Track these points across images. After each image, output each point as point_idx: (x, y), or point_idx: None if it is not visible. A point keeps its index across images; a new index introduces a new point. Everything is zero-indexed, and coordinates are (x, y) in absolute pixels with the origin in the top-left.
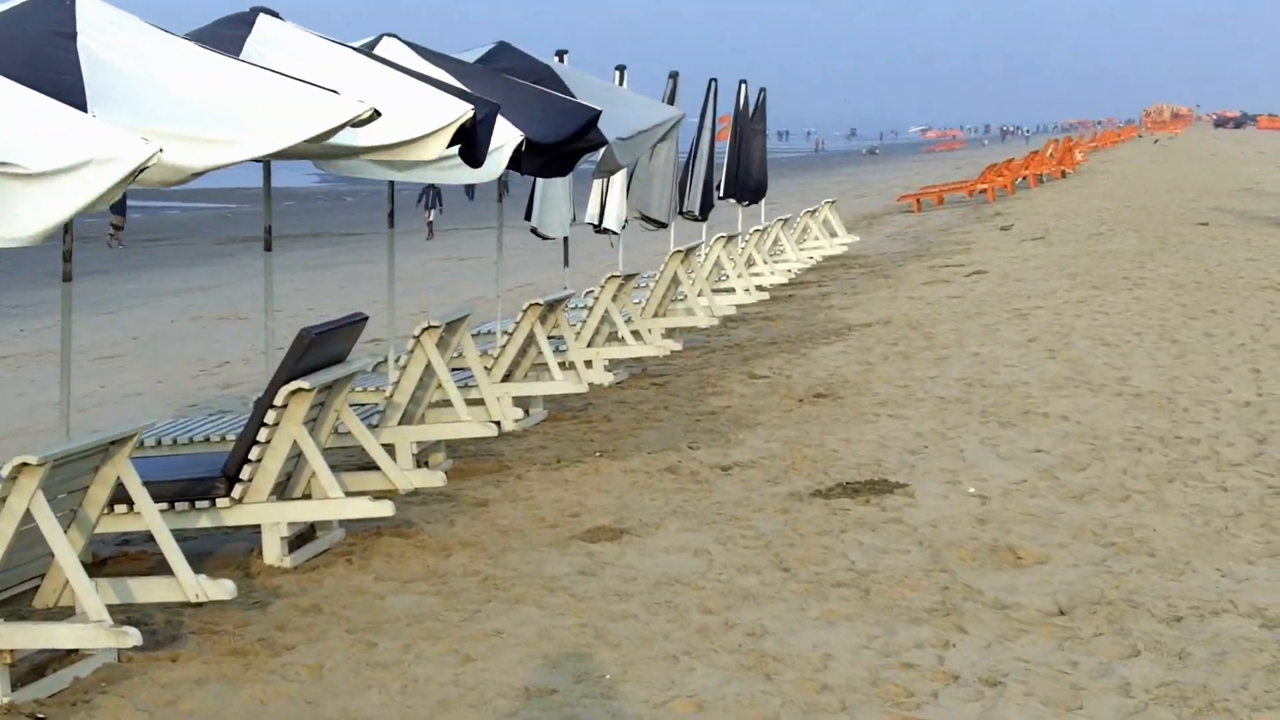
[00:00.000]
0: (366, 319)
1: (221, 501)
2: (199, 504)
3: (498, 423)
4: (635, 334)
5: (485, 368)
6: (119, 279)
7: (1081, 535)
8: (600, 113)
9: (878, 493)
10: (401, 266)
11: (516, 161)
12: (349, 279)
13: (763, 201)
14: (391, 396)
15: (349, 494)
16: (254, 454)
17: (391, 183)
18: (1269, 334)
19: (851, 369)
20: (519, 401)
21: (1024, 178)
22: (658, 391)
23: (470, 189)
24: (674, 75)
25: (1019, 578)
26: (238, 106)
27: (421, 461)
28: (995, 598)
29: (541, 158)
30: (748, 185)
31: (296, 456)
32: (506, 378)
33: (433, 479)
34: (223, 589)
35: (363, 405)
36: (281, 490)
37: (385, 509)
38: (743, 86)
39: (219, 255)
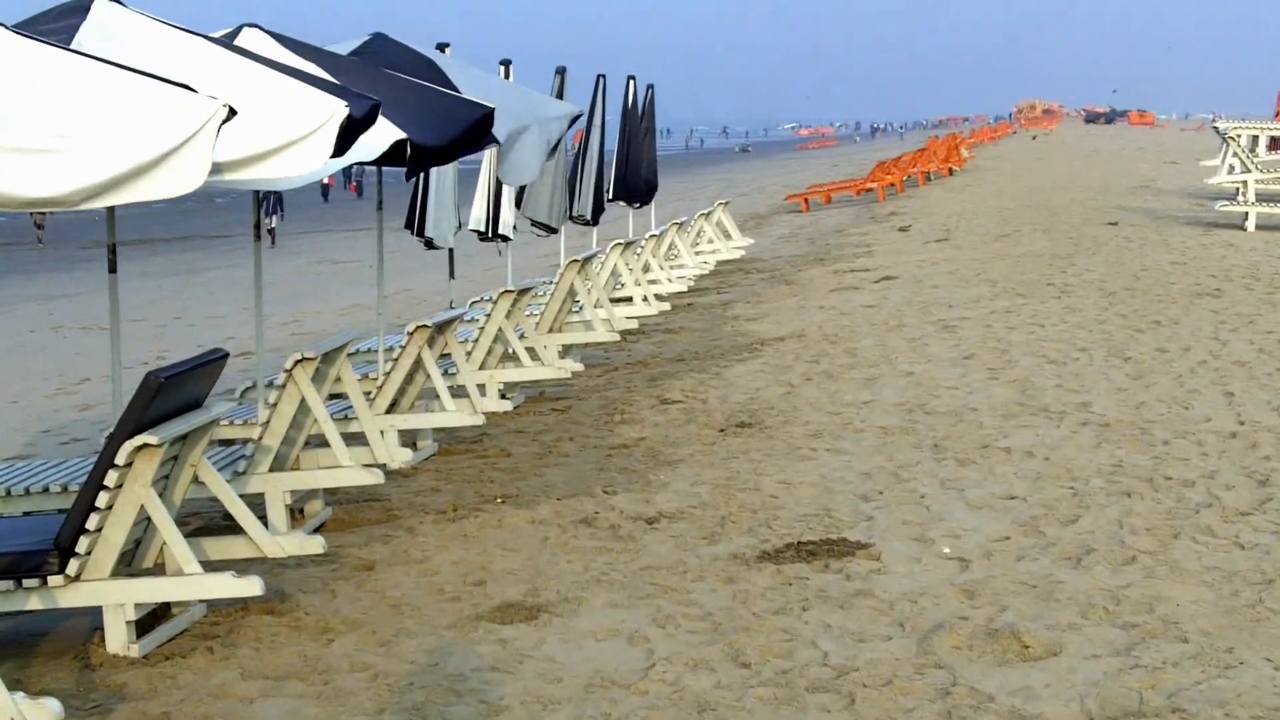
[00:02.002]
0: (226, 356)
1: (54, 579)
2: (27, 583)
3: (383, 466)
4: (531, 352)
5: (367, 395)
6: None
7: (1092, 613)
8: (493, 110)
9: (836, 555)
10: (271, 272)
11: (392, 157)
12: (218, 285)
13: (653, 203)
14: (261, 439)
15: (210, 565)
16: (92, 522)
17: (256, 192)
18: (1227, 349)
19: (773, 392)
20: (406, 435)
21: (912, 175)
22: (559, 419)
23: (325, 190)
24: (561, 71)
25: (1031, 675)
26: (69, 109)
27: (297, 510)
28: (1010, 707)
29: (427, 159)
30: (637, 187)
31: (146, 520)
32: (391, 407)
33: (310, 545)
34: (45, 713)
35: (228, 446)
36: (130, 559)
37: (253, 587)
38: (631, 83)
39: (84, 260)
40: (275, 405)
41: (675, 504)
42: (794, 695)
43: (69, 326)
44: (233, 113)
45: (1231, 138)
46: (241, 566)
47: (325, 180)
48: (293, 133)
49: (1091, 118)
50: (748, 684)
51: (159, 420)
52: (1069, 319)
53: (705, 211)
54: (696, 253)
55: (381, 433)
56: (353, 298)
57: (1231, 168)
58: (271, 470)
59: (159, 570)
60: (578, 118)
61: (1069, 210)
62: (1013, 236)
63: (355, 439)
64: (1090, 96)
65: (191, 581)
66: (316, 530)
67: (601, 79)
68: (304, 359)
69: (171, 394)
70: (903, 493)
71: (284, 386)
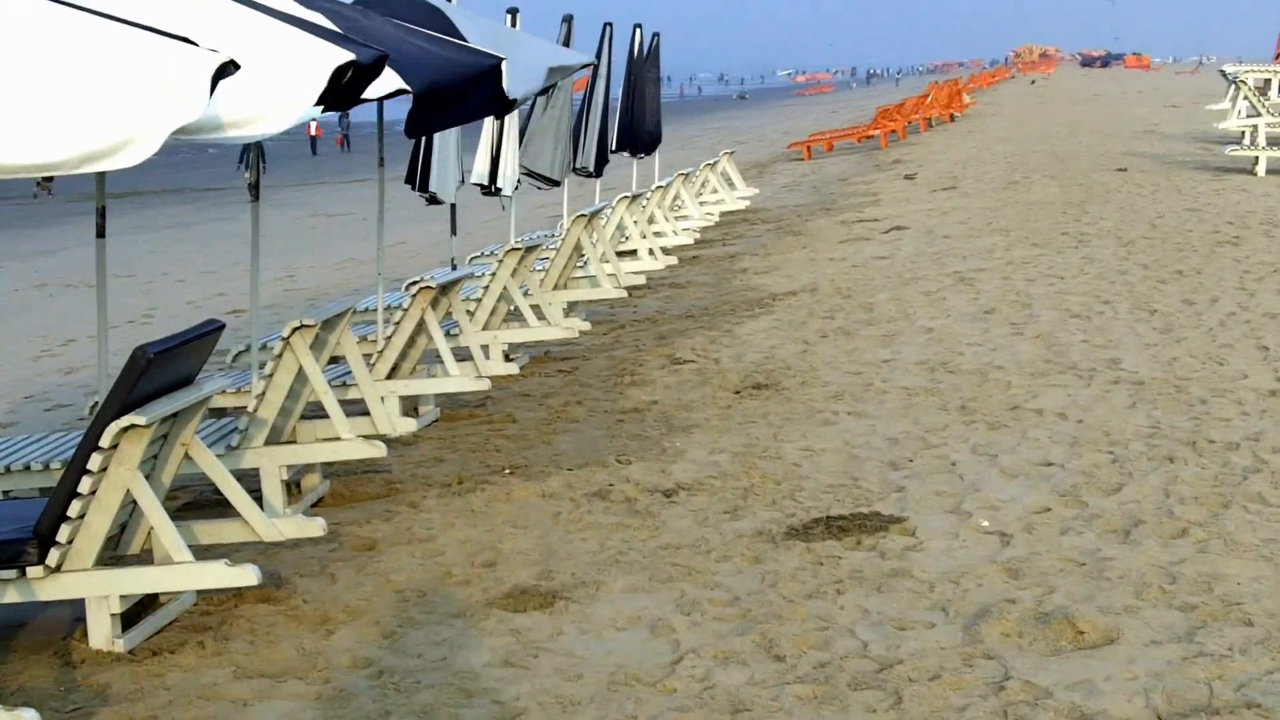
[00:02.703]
0: (221, 328)
1: (34, 570)
2: (3, 574)
3: (385, 437)
4: (535, 309)
5: (366, 359)
6: None
7: (1147, 593)
8: (502, 61)
9: (869, 530)
10: (266, 223)
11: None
12: (210, 239)
13: (657, 154)
14: (256, 411)
15: (202, 550)
16: (74, 509)
17: (248, 149)
18: (1255, 300)
19: (788, 351)
20: (408, 400)
21: (914, 122)
22: (566, 381)
23: (314, 143)
24: (568, 19)
25: (1090, 666)
26: (61, 67)
27: (294, 484)
28: (1070, 702)
29: (433, 117)
30: (641, 137)
31: (132, 504)
32: (392, 372)
33: (309, 528)
34: None
35: (221, 417)
36: (115, 543)
37: (247, 576)
38: (637, 31)
39: (72, 214)
40: (271, 376)
41: (693, 474)
42: (835, 693)
43: (54, 284)
44: (235, 66)
45: (1241, 81)
46: (235, 549)
47: (313, 131)
48: (292, 83)
49: (1088, 61)
50: (783, 679)
51: (147, 398)
52: (1089, 270)
53: (710, 162)
54: (701, 203)
55: (382, 399)
56: (347, 252)
57: (1240, 112)
58: (267, 444)
59: (146, 557)
60: (586, 66)
61: (1076, 156)
62: (1022, 184)
63: (353, 405)
64: (1084, 39)
65: (181, 571)
66: (314, 505)
67: (608, 27)
68: (302, 325)
69: (161, 370)
70: (933, 460)
71: (280, 356)
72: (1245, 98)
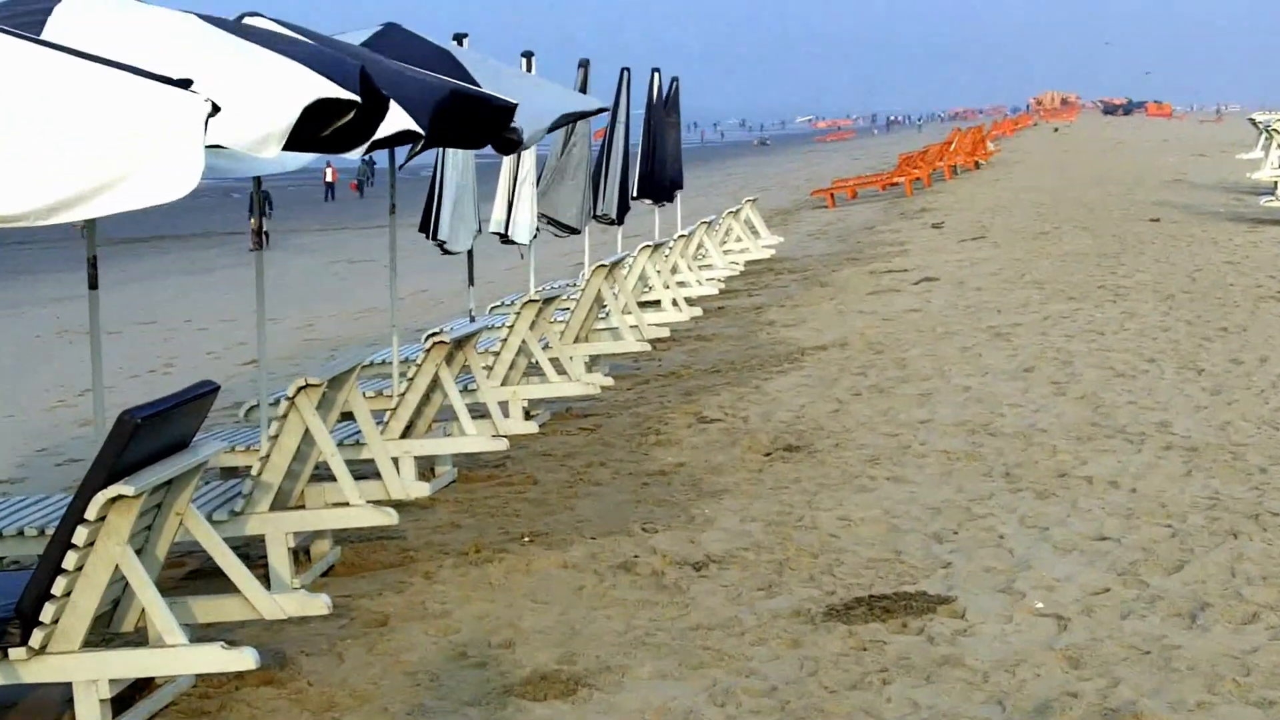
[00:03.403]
0: (216, 390)
1: (16, 652)
2: None
3: (398, 504)
4: (555, 363)
5: (379, 418)
6: None
7: (1220, 685)
8: (516, 106)
9: (915, 611)
10: (288, 269)
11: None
12: (231, 285)
13: (678, 200)
14: (260, 475)
15: (201, 629)
16: (59, 586)
17: (254, 194)
18: None
19: (820, 409)
20: (424, 461)
21: (938, 169)
22: (589, 439)
23: (330, 189)
24: (584, 63)
25: None
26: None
27: (302, 551)
28: None
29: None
30: (662, 184)
31: (124, 579)
32: (407, 430)
33: (313, 605)
34: None
35: (232, 476)
36: (109, 619)
37: (245, 660)
38: (655, 75)
39: (100, 258)
40: (276, 437)
41: (724, 545)
42: None
43: (76, 331)
44: (216, 109)
45: (1274, 130)
46: (239, 627)
47: (329, 177)
48: (280, 116)
49: (1109, 109)
50: None
51: (138, 465)
52: (1129, 325)
53: (733, 210)
54: (725, 251)
55: (396, 460)
56: (368, 300)
57: (1273, 162)
58: (273, 509)
59: (141, 635)
60: (601, 112)
61: (1106, 205)
62: (1052, 234)
63: (368, 464)
64: (1105, 88)
65: (174, 654)
66: (324, 574)
67: (626, 72)
68: (308, 385)
69: (151, 434)
70: (979, 532)
71: (285, 416)
72: (1279, 146)
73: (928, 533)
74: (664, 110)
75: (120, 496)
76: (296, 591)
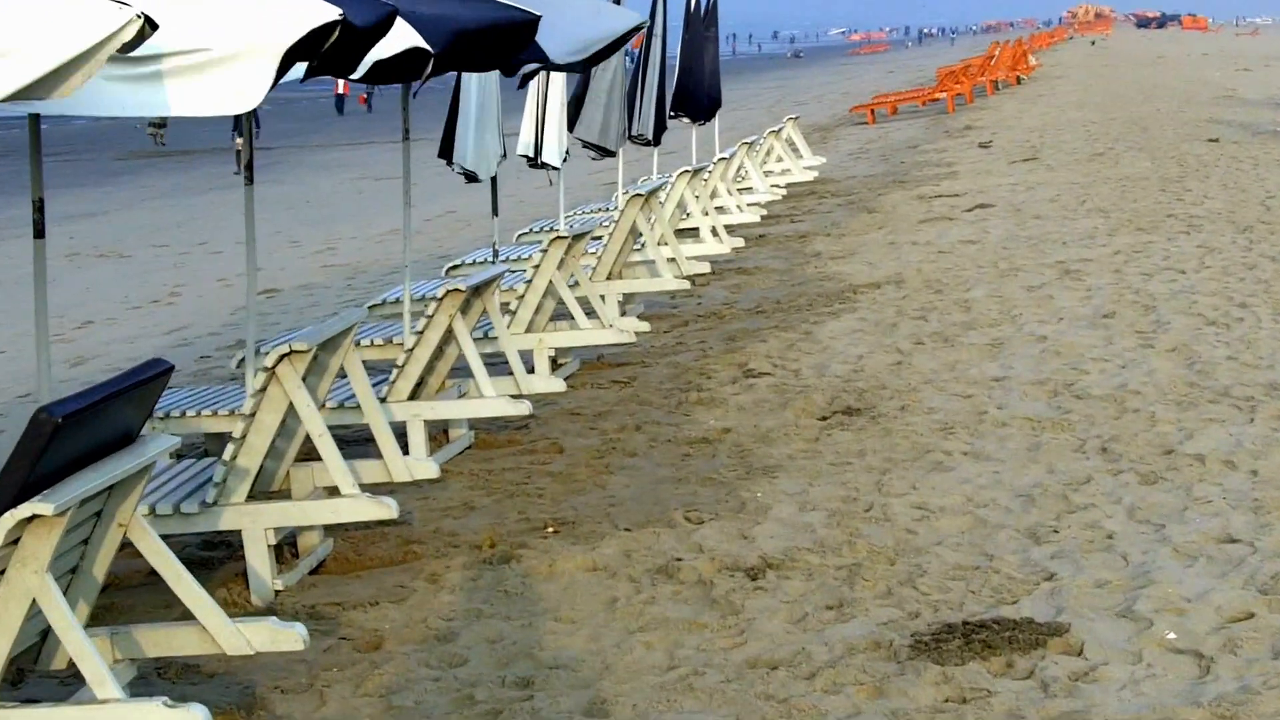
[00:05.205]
0: (169, 371)
1: None
2: None
3: (397, 492)
4: (585, 303)
5: (382, 379)
6: None
7: None
8: (538, 19)
9: (1021, 645)
10: (313, 188)
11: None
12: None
13: (716, 119)
14: (235, 458)
15: (149, 665)
16: None
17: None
18: None
19: (879, 361)
20: (437, 423)
21: (980, 84)
22: (622, 395)
23: (340, 102)
24: None
25: None
26: None
27: (287, 544)
28: None
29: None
30: (701, 101)
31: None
32: (416, 390)
33: (285, 639)
34: None
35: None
36: (35, 656)
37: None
38: None
39: (117, 173)
40: (254, 414)
41: (782, 542)
42: None
43: (86, 254)
44: (151, 26)
45: None
46: (195, 663)
47: (340, 89)
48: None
49: (1143, 22)
50: None
51: (65, 469)
52: (1210, 263)
53: (775, 129)
54: (765, 173)
55: (405, 425)
56: (393, 220)
57: None
58: (250, 499)
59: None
60: (639, 29)
61: (1159, 124)
62: (1108, 155)
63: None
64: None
65: (106, 713)
66: (315, 570)
67: None
68: (293, 352)
69: (80, 433)
70: (1083, 530)
71: (265, 390)
72: None
73: (1022, 529)
74: (703, 23)
75: (36, 516)
76: (266, 620)
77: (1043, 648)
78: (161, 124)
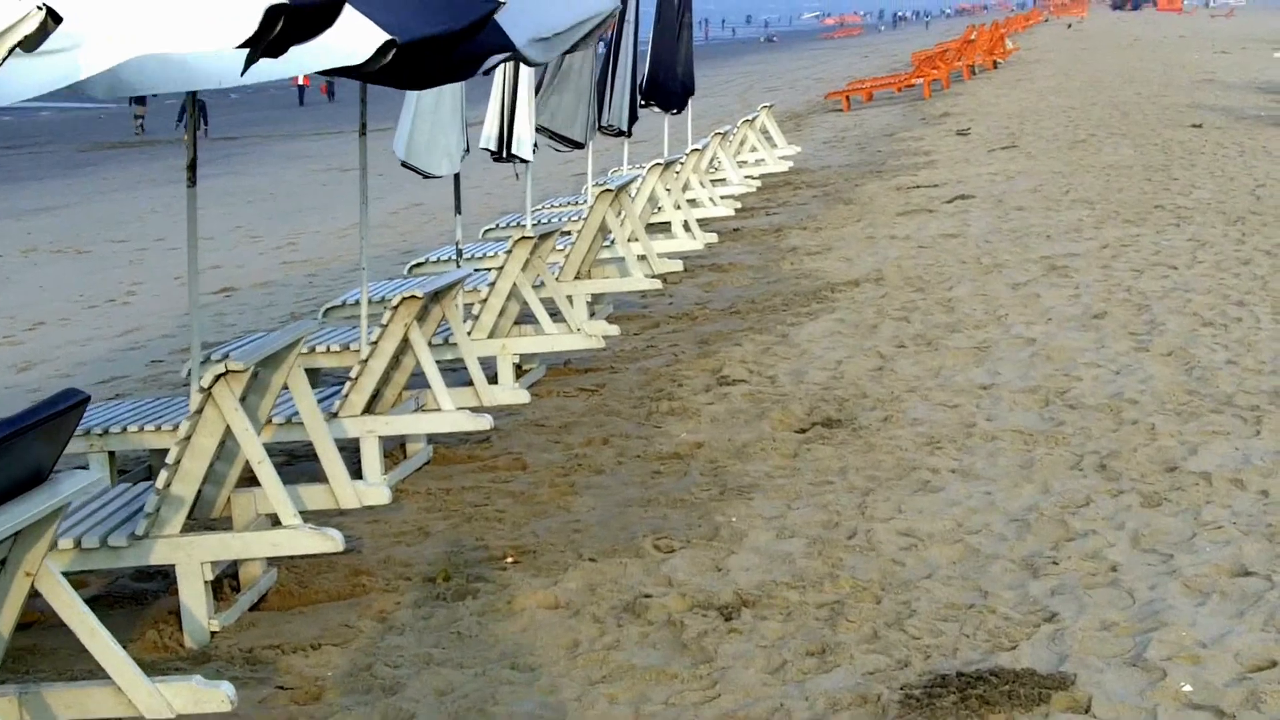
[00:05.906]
0: (84, 402)
1: None
2: None
3: (348, 514)
4: (551, 305)
5: (335, 391)
6: None
7: None
8: (500, 4)
9: (1024, 702)
10: (277, 180)
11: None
12: (215, 197)
13: (689, 107)
14: (169, 486)
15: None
16: None
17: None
18: None
19: (859, 367)
20: (392, 440)
21: (956, 69)
22: (589, 403)
23: (302, 92)
24: None
25: None
26: None
27: (228, 577)
28: None
29: (422, 64)
30: (672, 89)
31: None
32: (371, 403)
33: (210, 698)
34: None
35: (131, 487)
36: None
37: None
38: None
39: (80, 165)
40: (189, 437)
41: (758, 575)
42: None
43: (43, 250)
44: (55, 19)
45: None
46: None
47: (300, 80)
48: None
49: (1117, 4)
50: None
51: None
52: (1202, 258)
53: (749, 118)
54: (739, 163)
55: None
56: (357, 214)
57: None
58: (187, 529)
59: None
60: (613, 15)
61: (1140, 109)
62: (1089, 142)
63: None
64: None
65: None
66: (255, 607)
67: None
68: (229, 372)
69: None
70: (1084, 561)
71: (200, 411)
72: None
73: (1017, 559)
74: (675, 8)
75: None
76: (190, 679)
77: (1046, 704)
78: (142, 103)
